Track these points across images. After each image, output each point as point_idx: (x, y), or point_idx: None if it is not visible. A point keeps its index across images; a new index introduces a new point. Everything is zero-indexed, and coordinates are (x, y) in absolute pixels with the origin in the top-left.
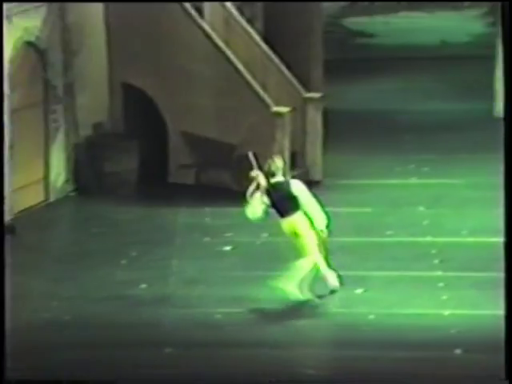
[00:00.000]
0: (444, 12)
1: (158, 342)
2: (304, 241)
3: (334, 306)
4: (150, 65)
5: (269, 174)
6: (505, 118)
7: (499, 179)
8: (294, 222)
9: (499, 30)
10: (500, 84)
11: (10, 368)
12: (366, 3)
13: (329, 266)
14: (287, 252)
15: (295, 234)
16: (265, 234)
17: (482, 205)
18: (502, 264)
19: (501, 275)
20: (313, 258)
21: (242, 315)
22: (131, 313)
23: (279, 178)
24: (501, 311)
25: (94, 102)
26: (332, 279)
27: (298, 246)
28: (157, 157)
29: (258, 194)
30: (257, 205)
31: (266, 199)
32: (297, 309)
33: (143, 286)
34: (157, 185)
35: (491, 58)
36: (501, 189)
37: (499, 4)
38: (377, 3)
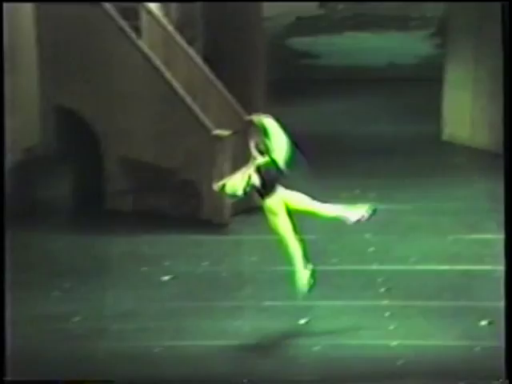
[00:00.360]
0: (390, 32)
1: (92, 378)
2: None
3: (276, 337)
4: (85, 86)
5: (257, 153)
6: (504, 123)
7: (447, 204)
8: (283, 196)
9: (447, 51)
10: (447, 107)
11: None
12: (311, 22)
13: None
14: (229, 281)
15: (284, 211)
16: (205, 263)
17: (430, 231)
18: (450, 292)
19: (449, 304)
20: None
21: (183, 349)
22: (63, 347)
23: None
24: (449, 341)
25: (25, 125)
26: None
27: (284, 229)
28: (92, 182)
29: (245, 171)
30: (240, 182)
31: (256, 179)
32: (238, 341)
33: (76, 318)
34: (92, 212)
35: (439, 81)
36: (463, 212)
37: (447, 24)
38: (322, 23)
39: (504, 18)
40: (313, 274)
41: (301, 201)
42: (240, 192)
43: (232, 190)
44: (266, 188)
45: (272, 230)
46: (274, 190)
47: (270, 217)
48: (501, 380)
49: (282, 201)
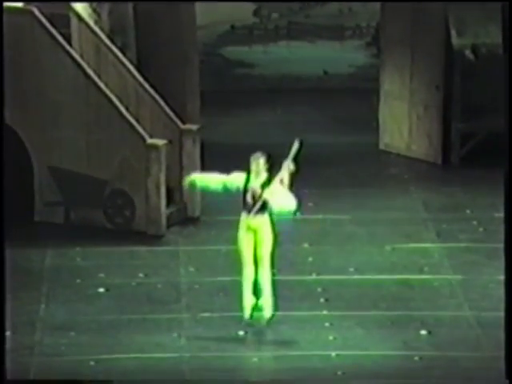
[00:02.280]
0: (325, 42)
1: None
2: (263, 247)
3: (213, 349)
4: (13, 95)
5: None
6: (506, 128)
7: (384, 214)
8: (264, 221)
9: (383, 61)
10: (384, 117)
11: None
12: (245, 31)
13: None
14: (165, 293)
15: (258, 234)
16: (141, 275)
17: (368, 241)
18: (389, 302)
19: (388, 314)
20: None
21: (118, 362)
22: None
23: (263, 177)
24: (388, 351)
25: None
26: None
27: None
28: (21, 194)
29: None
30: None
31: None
32: (175, 353)
33: (7, 333)
34: (21, 224)
35: (375, 90)
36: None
37: (382, 34)
38: (256, 32)
39: (504, 17)
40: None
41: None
42: (219, 187)
43: (204, 183)
44: (254, 207)
45: (237, 245)
46: (262, 213)
47: (241, 233)
48: None
49: (258, 226)
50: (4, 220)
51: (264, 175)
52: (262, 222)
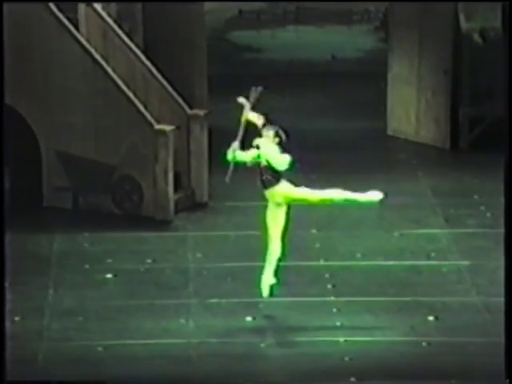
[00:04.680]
0: (333, 26)
1: (32, 378)
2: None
3: (221, 334)
4: (23, 81)
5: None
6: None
7: (393, 200)
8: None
9: (391, 45)
10: (392, 102)
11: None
12: (253, 16)
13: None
14: (173, 278)
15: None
16: (149, 260)
17: (376, 226)
18: (396, 288)
19: (396, 299)
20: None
21: (126, 348)
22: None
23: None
24: (396, 337)
25: None
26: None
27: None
28: (30, 179)
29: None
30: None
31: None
32: (182, 339)
33: (16, 318)
34: (30, 209)
35: (383, 75)
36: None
37: (390, 18)
38: (264, 17)
39: (504, 17)
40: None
41: (308, 192)
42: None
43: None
44: (267, 180)
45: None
46: (277, 182)
47: (268, 209)
48: (453, 381)
49: (282, 195)
50: (6, 210)
51: (276, 149)
52: (279, 192)
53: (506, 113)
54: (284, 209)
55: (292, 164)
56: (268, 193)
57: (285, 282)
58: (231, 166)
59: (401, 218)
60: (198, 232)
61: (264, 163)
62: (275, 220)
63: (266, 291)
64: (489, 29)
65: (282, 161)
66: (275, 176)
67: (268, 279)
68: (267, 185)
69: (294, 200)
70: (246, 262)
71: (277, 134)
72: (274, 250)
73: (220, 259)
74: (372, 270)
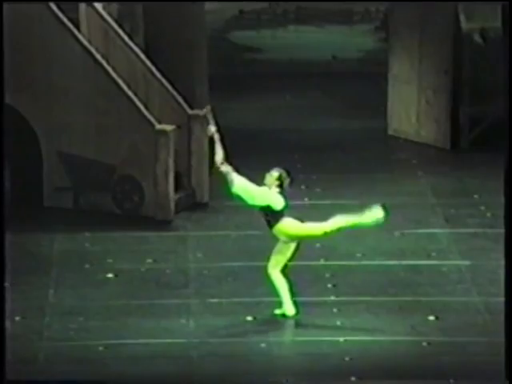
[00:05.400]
0: (334, 26)
1: (33, 378)
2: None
3: (221, 334)
4: (23, 81)
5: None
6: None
7: (393, 199)
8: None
9: (391, 45)
10: (392, 102)
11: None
12: (253, 16)
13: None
14: (174, 278)
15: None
16: (149, 260)
17: (377, 226)
18: (397, 287)
19: (396, 299)
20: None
21: (127, 348)
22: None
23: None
24: (396, 336)
25: None
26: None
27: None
28: (30, 179)
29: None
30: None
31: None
32: (183, 340)
33: (17, 318)
34: (31, 209)
35: (384, 75)
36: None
37: (391, 18)
38: (265, 17)
39: (504, 18)
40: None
41: (312, 227)
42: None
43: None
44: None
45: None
46: (278, 221)
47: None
48: (452, 381)
49: (286, 233)
50: (7, 210)
51: (274, 190)
52: (282, 230)
53: (506, 112)
54: (292, 246)
55: (286, 207)
56: (273, 231)
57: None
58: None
59: (401, 217)
60: (199, 232)
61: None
62: (281, 253)
63: (292, 310)
64: (489, 29)
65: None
66: (274, 216)
67: (287, 299)
68: (271, 223)
69: (299, 237)
70: (246, 261)
71: (279, 178)
72: (278, 278)
73: (220, 259)
74: (372, 270)
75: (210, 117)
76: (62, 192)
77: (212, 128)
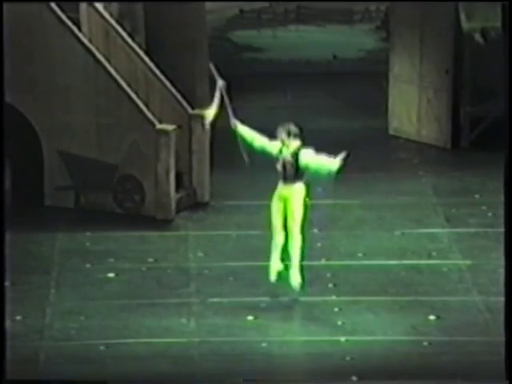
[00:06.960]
0: (335, 26)
1: (34, 377)
2: (292, 217)
3: (222, 334)
4: (23, 80)
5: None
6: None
7: (394, 199)
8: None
9: (392, 44)
10: (393, 102)
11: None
12: (254, 15)
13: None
14: (174, 278)
15: (289, 203)
16: (150, 259)
17: (377, 226)
18: (397, 287)
19: (397, 299)
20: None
21: (128, 347)
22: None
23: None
24: (397, 336)
25: None
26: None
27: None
28: (31, 178)
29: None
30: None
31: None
32: (183, 338)
33: (18, 317)
34: (32, 208)
35: (384, 75)
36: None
37: (392, 18)
38: (265, 16)
39: (504, 17)
40: (301, 271)
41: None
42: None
43: (247, 137)
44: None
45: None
46: (294, 182)
47: (273, 201)
48: (453, 381)
49: (289, 195)
50: (8, 209)
51: (294, 144)
52: (294, 191)
53: (507, 112)
54: (290, 204)
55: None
56: (282, 187)
57: (286, 281)
58: (242, 148)
59: (402, 217)
60: (200, 231)
61: (289, 158)
62: (279, 212)
63: (273, 276)
64: (490, 28)
65: (331, 165)
66: (297, 174)
67: (275, 265)
68: (288, 178)
69: (301, 205)
70: (247, 261)
71: (289, 133)
72: (278, 240)
73: (221, 258)
74: (373, 270)
75: (215, 73)
76: (62, 191)
77: (220, 82)
